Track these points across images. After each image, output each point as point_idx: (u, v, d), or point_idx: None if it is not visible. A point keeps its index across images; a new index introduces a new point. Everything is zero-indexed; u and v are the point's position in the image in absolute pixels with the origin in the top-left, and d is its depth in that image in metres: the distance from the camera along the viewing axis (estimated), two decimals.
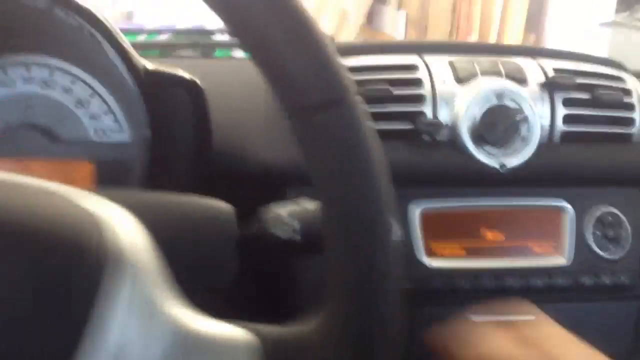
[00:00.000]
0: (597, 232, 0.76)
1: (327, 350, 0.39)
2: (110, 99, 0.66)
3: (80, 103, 0.65)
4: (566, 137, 0.77)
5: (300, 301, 0.66)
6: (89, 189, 0.64)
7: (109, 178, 0.65)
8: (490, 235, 0.74)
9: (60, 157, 0.64)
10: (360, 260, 0.39)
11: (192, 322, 0.37)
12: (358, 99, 0.39)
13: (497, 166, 0.72)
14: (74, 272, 0.32)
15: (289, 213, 0.52)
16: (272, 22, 0.37)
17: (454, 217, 0.73)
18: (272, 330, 0.40)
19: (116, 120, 0.66)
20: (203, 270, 0.50)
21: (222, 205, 0.52)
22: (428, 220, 0.72)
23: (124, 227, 0.36)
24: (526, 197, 0.75)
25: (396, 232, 0.40)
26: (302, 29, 0.38)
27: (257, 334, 0.39)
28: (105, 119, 0.66)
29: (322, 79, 0.38)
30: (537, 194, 0.76)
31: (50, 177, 0.64)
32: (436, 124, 0.72)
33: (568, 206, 0.76)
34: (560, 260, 0.75)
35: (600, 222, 0.76)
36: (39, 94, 0.64)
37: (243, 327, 0.39)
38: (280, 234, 0.51)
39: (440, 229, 0.72)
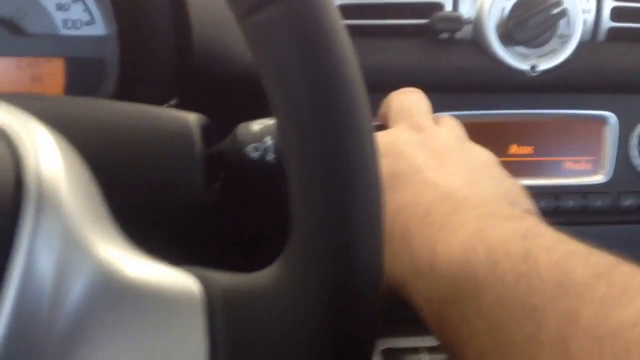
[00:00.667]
0: None
1: (285, 305, 0.31)
2: None
3: None
4: (613, 34, 0.66)
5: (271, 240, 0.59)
6: (59, 89, 0.59)
7: (81, 76, 0.60)
8: (517, 149, 0.64)
9: (26, 53, 0.59)
10: (330, 191, 0.31)
11: (123, 263, 0.30)
12: None
13: (527, 69, 0.62)
14: None
15: (261, 129, 0.43)
16: None
17: (475, 128, 0.63)
18: (224, 278, 0.33)
19: (86, 9, 0.60)
20: (156, 194, 0.42)
21: (188, 118, 0.44)
22: None
23: (47, 152, 0.30)
24: (561, 106, 0.65)
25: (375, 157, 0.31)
26: None
27: (205, 282, 0.32)
28: (75, 9, 0.60)
29: None
30: (575, 101, 0.66)
31: (16, 76, 0.59)
32: (456, 19, 0.61)
33: (612, 116, 0.66)
34: (597, 177, 0.66)
35: None
36: None
37: (190, 272, 0.32)
38: (251, 153, 0.43)
39: None
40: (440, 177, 0.42)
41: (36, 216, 0.27)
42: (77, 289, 0.28)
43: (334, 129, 0.30)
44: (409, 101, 0.51)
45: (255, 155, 0.43)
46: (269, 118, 0.44)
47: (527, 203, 0.43)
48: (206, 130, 0.45)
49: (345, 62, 0.30)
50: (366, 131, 0.31)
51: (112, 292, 0.29)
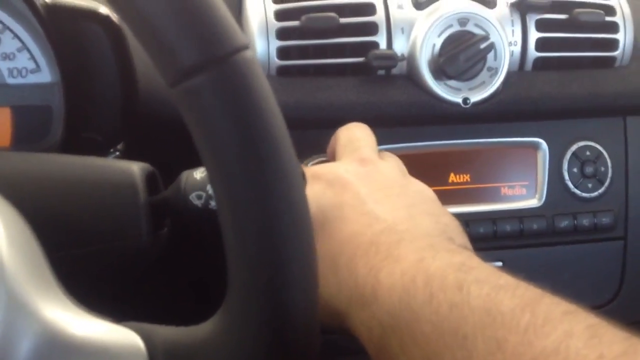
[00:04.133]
0: (574, 169, 0.69)
1: (224, 357, 0.32)
2: (23, 34, 0.59)
3: None
4: (539, 64, 0.69)
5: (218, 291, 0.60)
6: (6, 137, 0.59)
7: (29, 123, 0.59)
8: (455, 178, 0.67)
9: None
10: (260, 241, 0.32)
11: (66, 321, 0.31)
12: (248, 57, 0.31)
13: (459, 101, 0.65)
14: None
15: (204, 177, 0.44)
16: None
17: (413, 159, 0.66)
18: (165, 332, 0.34)
19: (32, 57, 0.59)
20: (101, 245, 0.43)
21: (132, 168, 0.45)
22: None
23: None
24: (494, 135, 0.68)
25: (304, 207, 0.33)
26: None
27: (146, 337, 0.33)
28: (20, 58, 0.59)
29: (194, 34, 0.30)
30: (507, 130, 0.68)
31: None
32: (391, 56, 0.63)
33: (542, 142, 0.69)
34: (532, 201, 0.69)
35: (577, 157, 0.69)
36: None
37: (132, 327, 0.33)
38: (194, 201, 0.44)
39: None
40: (383, 211, 0.44)
41: None
42: (23, 350, 0.28)
43: (262, 183, 0.31)
44: (355, 136, 0.53)
45: (198, 202, 0.44)
46: None
47: (464, 239, 0.46)
48: (150, 177, 0.46)
49: (270, 120, 0.32)
50: (293, 183, 0.32)
51: (58, 351, 0.30)
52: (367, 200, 0.45)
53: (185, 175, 0.46)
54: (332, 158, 0.56)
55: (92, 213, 0.43)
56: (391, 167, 0.51)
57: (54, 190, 0.42)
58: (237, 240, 0.32)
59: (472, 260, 0.38)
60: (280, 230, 0.32)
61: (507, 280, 0.36)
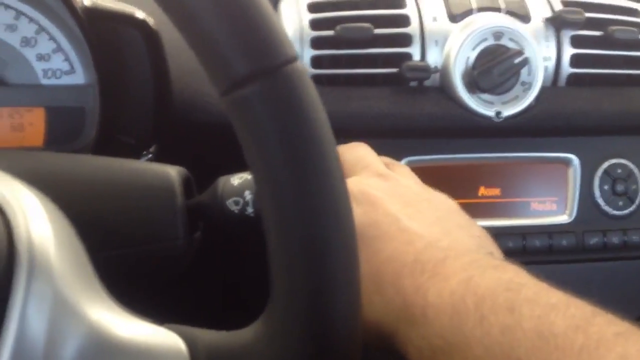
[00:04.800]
0: (605, 187, 0.69)
1: None
2: (58, 35, 0.60)
3: (26, 41, 0.59)
4: (573, 80, 0.69)
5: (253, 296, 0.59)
6: (40, 138, 0.60)
7: (61, 125, 0.60)
8: (484, 191, 0.67)
9: (7, 104, 0.59)
10: (307, 250, 0.32)
11: (111, 323, 0.31)
12: (298, 69, 0.31)
13: (492, 115, 0.64)
14: None
15: (241, 183, 0.45)
16: None
17: (443, 171, 0.66)
18: (208, 336, 0.34)
19: (67, 59, 0.60)
20: (139, 247, 0.44)
21: (170, 172, 0.46)
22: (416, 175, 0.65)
23: (37, 220, 0.30)
24: (525, 149, 0.68)
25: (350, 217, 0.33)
26: None
27: (189, 340, 0.33)
28: (55, 59, 0.60)
29: (246, 45, 0.30)
30: (538, 145, 0.68)
31: None
32: (425, 68, 0.63)
33: (574, 158, 0.69)
34: (562, 218, 0.68)
35: (608, 175, 0.69)
36: None
37: (174, 330, 0.33)
38: (231, 207, 0.44)
39: (428, 185, 0.65)
40: (419, 227, 0.44)
41: (27, 283, 0.28)
42: (69, 352, 0.29)
43: (310, 194, 0.32)
44: (362, 154, 0.53)
45: (235, 209, 0.44)
46: (248, 172, 0.46)
47: (499, 251, 0.45)
48: (186, 181, 0.47)
49: (320, 133, 0.32)
50: (340, 194, 0.33)
51: (104, 352, 0.30)
52: (401, 217, 0.44)
53: (222, 180, 0.46)
54: None
55: (130, 215, 0.43)
56: (410, 180, 0.51)
57: (95, 191, 0.43)
58: (283, 248, 0.32)
59: (521, 276, 0.38)
60: (327, 241, 0.32)
61: (558, 298, 0.35)
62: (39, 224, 0.30)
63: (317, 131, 0.32)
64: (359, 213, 0.44)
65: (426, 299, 0.39)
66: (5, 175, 0.34)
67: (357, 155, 0.52)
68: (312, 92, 0.32)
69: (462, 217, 0.47)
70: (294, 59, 0.32)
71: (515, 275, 0.38)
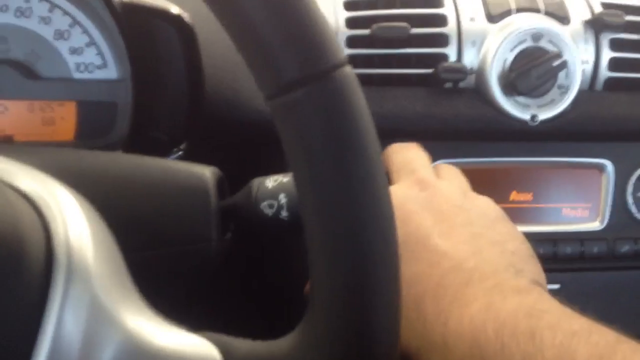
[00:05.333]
0: (638, 194, 0.68)
1: None
2: (92, 29, 0.59)
3: (59, 34, 0.59)
4: (610, 84, 0.67)
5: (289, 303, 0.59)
6: (71, 132, 0.59)
7: (93, 119, 0.59)
8: (516, 196, 0.66)
9: (39, 97, 0.58)
10: (350, 263, 0.32)
11: (146, 331, 0.31)
12: (347, 74, 0.31)
13: (527, 118, 0.63)
14: (15, 285, 0.27)
15: (275, 185, 0.44)
16: None
17: (475, 175, 0.64)
18: (244, 346, 0.34)
19: (99, 53, 0.59)
20: (172, 248, 0.43)
21: (204, 172, 0.45)
22: None
23: (74, 221, 0.30)
24: (559, 154, 0.67)
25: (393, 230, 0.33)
26: None
27: (224, 349, 0.33)
28: (88, 53, 0.59)
29: (295, 49, 0.30)
30: (572, 150, 0.67)
31: (28, 119, 0.59)
32: (461, 70, 0.62)
33: (608, 164, 0.67)
34: (594, 224, 0.67)
35: None
36: (14, 24, 0.58)
37: (209, 339, 0.33)
38: (265, 210, 0.44)
39: None
40: (449, 246, 0.43)
41: (65, 287, 0.28)
42: (104, 358, 0.28)
43: (356, 203, 0.31)
44: (410, 156, 0.52)
45: (269, 212, 0.44)
46: (282, 174, 0.45)
47: (532, 265, 0.44)
48: (219, 182, 0.46)
49: (368, 141, 0.32)
50: (387, 207, 0.32)
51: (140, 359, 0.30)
52: (431, 234, 0.44)
53: (256, 182, 0.46)
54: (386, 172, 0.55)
55: (165, 216, 0.43)
56: (451, 186, 0.49)
57: (130, 190, 0.42)
58: (324, 258, 0.32)
59: (543, 300, 0.37)
60: (371, 252, 0.31)
61: (580, 324, 0.34)
62: (77, 226, 0.30)
63: (364, 138, 0.31)
64: None
65: (446, 326, 0.38)
66: (41, 173, 0.33)
67: (406, 158, 0.52)
68: (360, 98, 0.32)
69: (500, 229, 0.46)
70: (343, 63, 0.31)
71: (538, 300, 0.37)
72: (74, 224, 0.30)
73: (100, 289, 0.29)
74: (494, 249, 0.43)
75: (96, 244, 0.30)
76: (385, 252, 0.32)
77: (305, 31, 0.30)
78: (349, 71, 0.31)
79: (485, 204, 0.49)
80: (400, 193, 0.47)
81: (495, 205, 0.49)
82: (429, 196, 0.47)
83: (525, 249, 0.45)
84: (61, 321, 0.27)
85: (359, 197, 0.31)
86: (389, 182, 0.53)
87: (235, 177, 0.48)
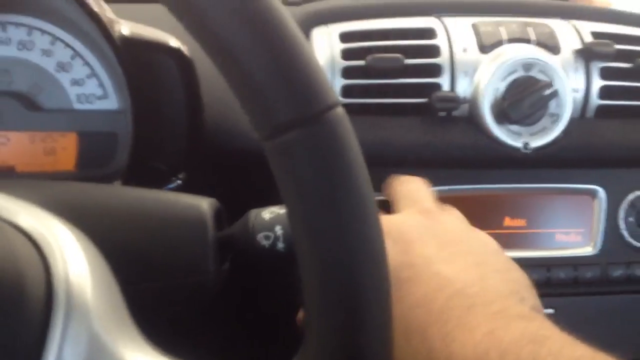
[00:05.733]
0: (630, 219, 0.69)
1: None
2: (93, 61, 0.60)
3: (61, 66, 0.60)
4: (601, 112, 0.68)
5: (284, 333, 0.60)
6: (71, 163, 0.60)
7: (94, 150, 0.60)
8: (510, 222, 0.67)
9: (40, 128, 0.59)
10: (343, 296, 0.33)
11: None
12: (338, 115, 0.32)
13: (520, 146, 0.65)
14: (15, 323, 0.28)
15: (272, 217, 0.45)
16: (231, 19, 0.30)
17: (469, 201, 0.66)
18: None
19: (100, 84, 0.60)
20: (169, 280, 0.44)
21: (202, 204, 0.46)
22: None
23: (74, 258, 0.31)
24: (551, 180, 0.68)
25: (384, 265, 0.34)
26: (267, 28, 0.31)
27: None
28: (89, 84, 0.60)
29: (288, 92, 0.31)
30: (564, 176, 0.68)
31: (29, 150, 0.60)
32: (454, 99, 0.64)
33: (599, 189, 0.68)
34: (587, 249, 0.68)
35: (634, 207, 0.69)
36: (16, 57, 0.59)
37: None
38: (261, 241, 0.45)
39: None
40: (452, 271, 0.44)
41: (64, 325, 0.28)
42: None
43: (348, 240, 0.32)
44: (414, 188, 0.53)
45: (265, 243, 0.45)
46: (279, 207, 0.46)
47: (532, 295, 0.45)
48: (217, 213, 0.47)
49: (359, 179, 0.32)
50: (377, 242, 0.33)
51: None
52: (435, 260, 0.45)
53: (253, 214, 0.46)
54: (387, 199, 0.56)
55: (162, 248, 0.43)
56: (454, 218, 0.51)
57: (128, 223, 0.43)
58: (318, 292, 0.33)
59: (546, 327, 0.38)
60: (362, 286, 0.32)
61: (582, 351, 0.35)
62: (76, 264, 0.31)
63: (355, 177, 0.32)
64: (393, 253, 0.44)
65: (450, 350, 0.39)
66: (39, 209, 0.34)
67: (409, 189, 0.53)
68: (352, 138, 0.33)
69: (501, 260, 0.47)
70: (335, 104, 0.32)
71: (541, 327, 0.38)
72: (73, 261, 0.30)
73: (99, 325, 0.29)
74: (497, 276, 0.44)
75: (95, 281, 0.31)
76: (376, 285, 0.33)
77: (298, 74, 0.31)
78: (341, 112, 0.32)
79: (484, 236, 0.50)
80: (404, 221, 0.48)
81: (494, 242, 0.50)
82: (432, 225, 0.48)
83: (525, 279, 0.46)
84: (61, 358, 0.27)
85: (351, 234, 0.32)
86: (391, 211, 0.54)
87: (233, 204, 0.49)
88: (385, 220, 0.50)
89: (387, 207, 0.56)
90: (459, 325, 0.39)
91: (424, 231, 0.47)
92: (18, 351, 0.27)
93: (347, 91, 0.64)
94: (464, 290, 0.42)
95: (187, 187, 0.61)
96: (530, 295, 0.45)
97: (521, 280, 0.46)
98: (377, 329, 0.33)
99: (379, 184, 0.59)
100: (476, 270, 0.44)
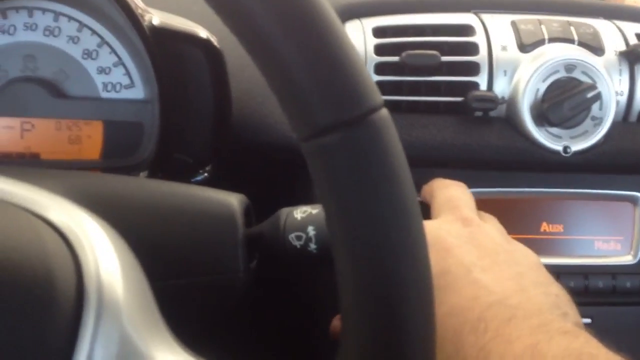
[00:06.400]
0: None
1: None
2: (120, 49, 0.59)
3: (87, 54, 0.59)
4: None
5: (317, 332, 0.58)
6: (97, 151, 0.59)
7: (119, 139, 0.59)
8: (547, 227, 0.64)
9: (66, 116, 0.58)
10: (384, 306, 0.31)
11: None
12: (382, 118, 0.30)
13: (560, 149, 0.62)
14: (46, 321, 0.27)
15: (304, 217, 0.43)
16: (273, 15, 0.29)
17: (506, 205, 0.64)
18: None
19: (127, 73, 0.59)
20: (198, 278, 0.43)
21: (232, 201, 0.45)
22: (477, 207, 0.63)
23: (105, 255, 0.30)
24: (591, 185, 0.65)
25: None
26: (311, 27, 0.29)
27: None
28: (115, 72, 0.59)
29: (330, 94, 0.29)
30: (605, 182, 0.65)
31: (55, 138, 0.59)
32: (492, 99, 0.61)
33: None
34: (627, 258, 0.66)
35: None
36: (43, 43, 0.58)
37: None
38: (293, 241, 0.43)
39: None
40: (491, 280, 0.42)
41: (95, 324, 0.27)
42: None
43: (389, 248, 0.30)
44: (455, 194, 0.51)
45: (297, 243, 0.43)
46: (311, 206, 0.44)
47: (574, 311, 0.43)
48: (246, 209, 0.46)
49: (402, 185, 0.31)
50: (420, 249, 0.31)
51: None
52: (473, 269, 0.43)
53: (284, 213, 0.45)
54: (424, 201, 0.54)
55: (192, 244, 0.42)
56: (493, 228, 0.49)
57: (157, 218, 0.42)
58: (356, 302, 0.31)
59: (591, 345, 0.36)
60: (403, 297, 0.31)
61: None
62: (107, 261, 0.29)
63: (398, 183, 0.31)
64: (431, 260, 0.43)
65: None
66: (70, 204, 0.33)
67: (449, 195, 0.51)
68: (395, 141, 0.31)
69: (541, 273, 0.45)
70: (379, 106, 0.31)
71: (586, 344, 0.36)
72: (104, 258, 0.29)
73: (130, 325, 0.28)
74: (538, 289, 0.42)
75: (126, 279, 0.30)
76: (420, 293, 0.31)
77: (342, 74, 0.30)
78: (385, 114, 0.31)
79: (525, 248, 0.48)
80: (443, 227, 0.47)
81: (535, 255, 0.48)
82: (472, 232, 0.46)
83: (566, 295, 0.44)
84: (91, 358, 0.26)
85: (393, 242, 0.30)
86: (431, 216, 0.52)
87: (260, 199, 0.48)
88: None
89: (424, 208, 0.54)
90: (497, 337, 0.38)
91: (462, 239, 0.45)
92: (48, 351, 0.26)
93: (379, 87, 0.62)
94: (503, 300, 0.40)
95: (214, 179, 0.60)
96: (572, 311, 0.43)
97: (562, 295, 0.44)
98: (419, 341, 0.32)
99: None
100: (516, 282, 0.42)
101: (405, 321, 0.31)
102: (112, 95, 0.59)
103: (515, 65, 0.63)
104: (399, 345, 0.31)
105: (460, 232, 0.46)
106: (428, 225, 0.47)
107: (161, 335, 0.31)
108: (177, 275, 0.42)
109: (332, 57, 0.30)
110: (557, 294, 0.43)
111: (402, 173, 0.31)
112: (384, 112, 0.31)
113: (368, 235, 0.30)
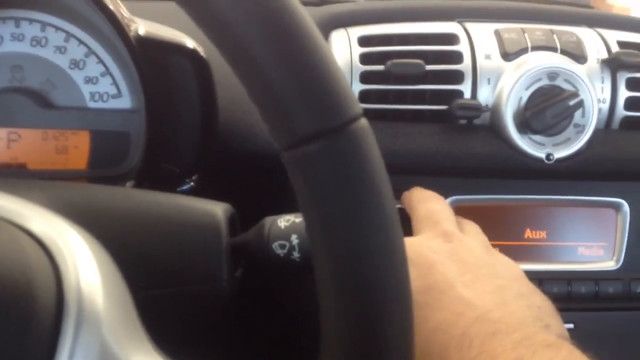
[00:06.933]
0: None
1: None
2: (107, 59, 0.59)
3: (74, 64, 0.59)
4: (627, 123, 0.67)
5: (302, 340, 0.58)
6: (83, 161, 0.59)
7: (106, 149, 0.59)
8: (530, 234, 0.65)
9: (53, 126, 0.58)
10: (364, 315, 0.31)
11: None
12: (361, 127, 0.30)
13: (543, 157, 0.63)
14: (25, 332, 0.27)
15: (288, 226, 0.44)
16: (251, 25, 0.29)
17: (489, 212, 0.64)
18: None
19: (114, 83, 0.59)
20: (182, 287, 0.43)
21: (216, 210, 0.45)
22: (460, 214, 0.63)
23: (85, 265, 0.30)
24: (574, 192, 0.66)
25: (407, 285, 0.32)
26: (290, 37, 0.30)
27: None
28: (103, 82, 0.59)
29: (309, 104, 0.30)
30: (588, 188, 0.66)
31: (41, 148, 0.59)
32: (476, 107, 0.62)
33: (623, 203, 0.67)
34: (610, 264, 0.66)
35: None
36: (30, 53, 0.58)
37: None
38: (277, 250, 0.43)
39: None
40: (474, 295, 0.42)
41: (75, 334, 0.27)
42: None
43: (369, 256, 0.31)
44: (435, 208, 0.52)
45: (280, 252, 0.43)
46: (294, 215, 0.45)
47: (557, 322, 0.44)
48: (231, 219, 0.46)
49: (382, 193, 0.31)
50: (401, 258, 0.32)
51: None
52: (456, 284, 0.43)
53: (268, 221, 0.45)
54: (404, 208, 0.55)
55: (177, 254, 0.42)
56: (475, 241, 0.49)
57: (142, 228, 0.42)
58: (336, 311, 0.31)
59: (574, 357, 0.36)
60: (383, 308, 0.31)
61: None
62: (87, 271, 0.30)
63: (378, 191, 0.31)
64: (414, 277, 0.43)
65: None
66: (51, 214, 0.33)
67: (430, 209, 0.52)
68: (375, 150, 0.32)
69: (524, 285, 0.46)
70: (359, 116, 0.31)
71: (569, 356, 0.36)
72: (85, 269, 0.30)
73: (110, 335, 0.28)
74: (520, 301, 0.43)
75: (106, 289, 0.30)
76: (399, 301, 0.32)
77: (321, 84, 0.30)
78: (364, 124, 0.31)
79: (507, 260, 0.49)
80: (425, 243, 0.47)
81: (517, 266, 0.49)
82: (453, 248, 0.47)
83: (550, 305, 0.45)
84: None
85: (373, 250, 0.31)
86: (413, 231, 0.53)
87: (246, 207, 0.48)
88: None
89: (403, 215, 0.55)
90: (481, 353, 0.38)
91: (444, 254, 0.46)
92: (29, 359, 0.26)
93: (364, 96, 0.63)
94: (486, 315, 0.41)
95: (200, 188, 0.60)
96: (555, 322, 0.43)
97: (545, 305, 0.44)
98: (397, 349, 0.32)
99: (395, 192, 0.57)
100: (498, 295, 0.43)
101: (383, 329, 0.31)
102: (99, 105, 0.59)
103: (499, 74, 0.63)
104: (377, 352, 0.31)
105: (441, 247, 0.47)
106: (410, 243, 0.48)
107: (141, 345, 0.31)
108: (162, 285, 0.42)
109: (311, 67, 0.30)
110: (539, 306, 0.43)
111: (381, 182, 0.31)
112: (363, 121, 0.31)
113: (346, 243, 0.31)
